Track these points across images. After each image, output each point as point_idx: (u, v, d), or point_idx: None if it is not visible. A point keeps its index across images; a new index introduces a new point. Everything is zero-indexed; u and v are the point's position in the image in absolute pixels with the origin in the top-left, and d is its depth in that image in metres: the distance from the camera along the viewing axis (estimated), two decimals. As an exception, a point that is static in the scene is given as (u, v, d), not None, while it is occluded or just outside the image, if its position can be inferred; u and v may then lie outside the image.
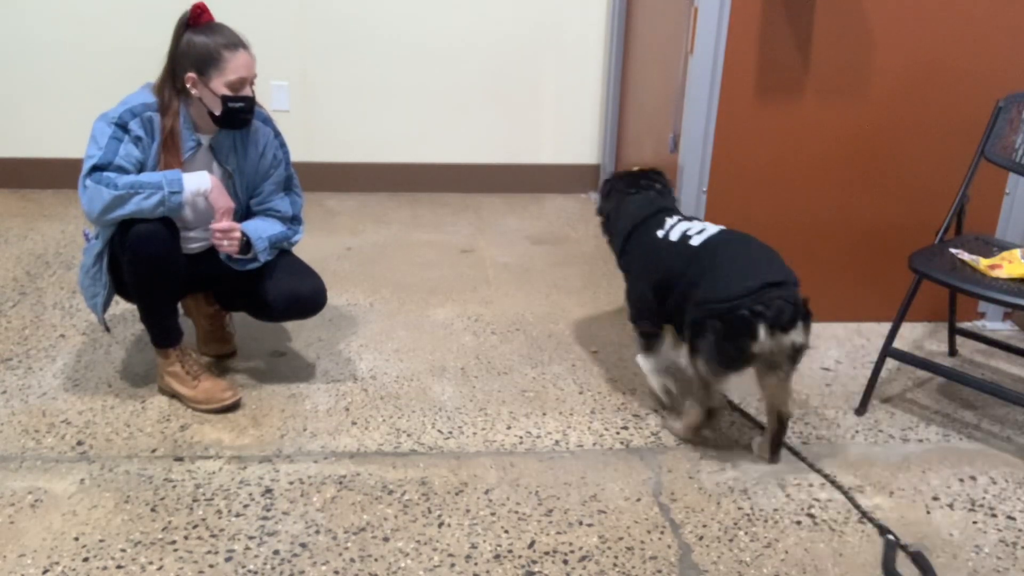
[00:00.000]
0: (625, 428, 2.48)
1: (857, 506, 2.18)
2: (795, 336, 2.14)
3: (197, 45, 2.29)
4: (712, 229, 2.36)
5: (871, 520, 2.13)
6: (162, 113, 2.32)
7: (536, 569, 1.94)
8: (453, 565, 1.94)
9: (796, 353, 2.18)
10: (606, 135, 4.29)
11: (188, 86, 2.31)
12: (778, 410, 2.28)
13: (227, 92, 2.30)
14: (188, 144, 2.37)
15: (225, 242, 2.36)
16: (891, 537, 2.05)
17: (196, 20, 2.31)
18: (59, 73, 4.08)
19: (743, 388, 2.69)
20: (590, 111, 4.35)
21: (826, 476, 2.28)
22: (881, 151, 2.94)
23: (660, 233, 2.43)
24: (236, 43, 2.31)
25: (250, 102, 2.36)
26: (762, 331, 2.10)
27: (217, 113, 2.33)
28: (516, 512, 2.12)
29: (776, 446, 2.32)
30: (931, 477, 2.30)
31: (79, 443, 2.33)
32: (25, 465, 2.23)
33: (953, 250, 2.55)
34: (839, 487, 2.24)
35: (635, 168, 2.75)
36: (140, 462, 2.26)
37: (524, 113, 4.33)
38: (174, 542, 1.98)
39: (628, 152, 4.04)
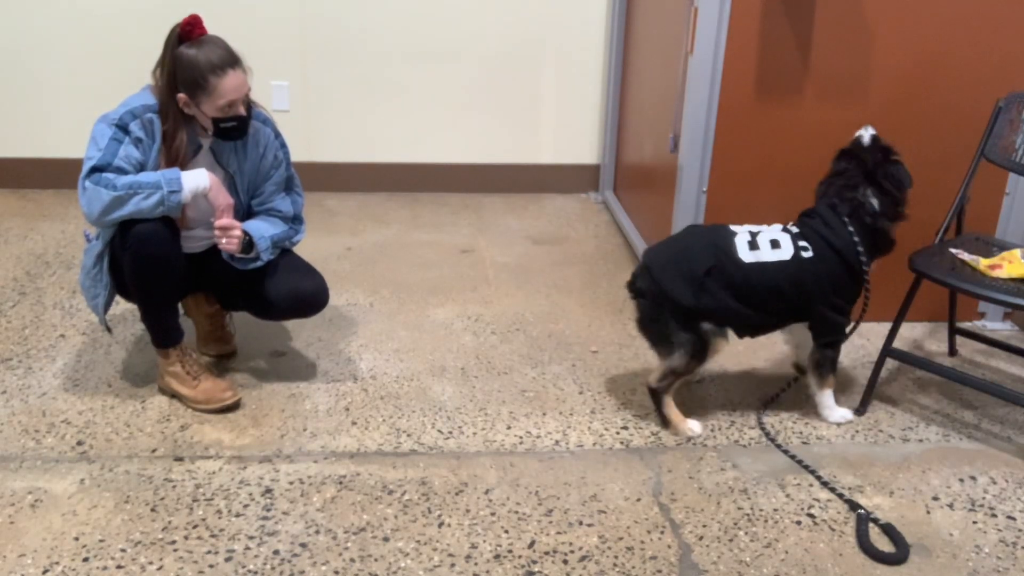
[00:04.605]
0: (625, 428, 2.48)
1: (825, 483, 2.25)
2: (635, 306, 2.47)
3: (186, 67, 2.26)
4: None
5: (841, 496, 2.20)
6: (170, 140, 2.32)
7: (536, 569, 1.94)
8: (453, 565, 1.94)
9: (637, 323, 2.49)
10: (606, 135, 4.29)
11: (181, 105, 2.31)
12: None
13: (217, 115, 2.31)
14: (188, 149, 2.37)
15: (224, 239, 2.36)
16: (862, 512, 2.13)
17: (188, 35, 2.28)
18: (59, 73, 4.08)
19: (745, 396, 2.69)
20: (590, 111, 4.35)
21: (773, 439, 2.37)
22: (881, 151, 2.94)
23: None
24: (224, 64, 2.27)
25: (242, 121, 2.35)
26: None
27: (210, 132, 2.35)
28: (516, 512, 2.12)
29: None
30: (931, 477, 2.30)
31: (79, 443, 2.33)
32: (25, 465, 2.23)
33: (953, 250, 2.55)
34: (799, 461, 2.33)
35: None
36: (140, 462, 2.26)
37: (524, 113, 4.33)
38: (174, 542, 1.98)
39: (628, 152, 4.04)
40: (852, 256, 2.37)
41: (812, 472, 2.29)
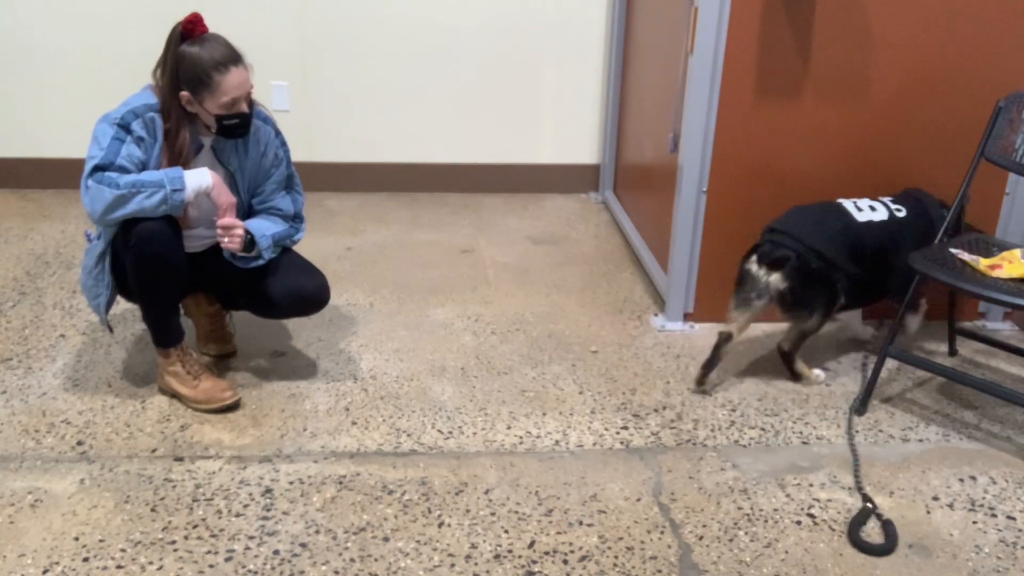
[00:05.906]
0: (625, 428, 2.48)
1: (858, 479, 2.29)
2: (773, 279, 2.51)
3: (189, 64, 2.26)
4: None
5: (860, 491, 2.23)
6: (172, 139, 2.32)
7: (536, 569, 1.94)
8: (453, 565, 1.94)
9: (779, 295, 2.51)
10: (606, 135, 4.29)
11: (183, 103, 2.31)
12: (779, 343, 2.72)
13: (221, 112, 2.31)
14: (190, 147, 2.37)
15: (226, 238, 2.36)
16: (869, 506, 2.16)
17: (190, 32, 2.29)
18: (59, 73, 4.08)
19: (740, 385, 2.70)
20: (590, 111, 4.35)
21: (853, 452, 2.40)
22: (881, 151, 2.94)
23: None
24: (227, 61, 2.28)
25: (245, 117, 2.36)
26: (752, 260, 2.55)
27: (213, 130, 2.35)
28: (516, 512, 2.12)
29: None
30: (931, 477, 2.31)
31: (79, 443, 2.33)
32: (25, 465, 2.23)
33: (953, 250, 2.55)
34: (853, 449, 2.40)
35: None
36: (140, 462, 2.26)
37: (524, 113, 4.33)
38: (174, 542, 1.98)
39: (628, 152, 4.05)
40: (937, 223, 2.64)
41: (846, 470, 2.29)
